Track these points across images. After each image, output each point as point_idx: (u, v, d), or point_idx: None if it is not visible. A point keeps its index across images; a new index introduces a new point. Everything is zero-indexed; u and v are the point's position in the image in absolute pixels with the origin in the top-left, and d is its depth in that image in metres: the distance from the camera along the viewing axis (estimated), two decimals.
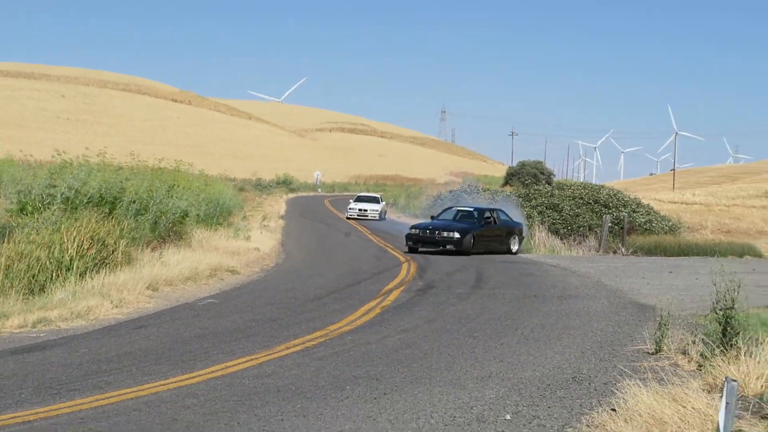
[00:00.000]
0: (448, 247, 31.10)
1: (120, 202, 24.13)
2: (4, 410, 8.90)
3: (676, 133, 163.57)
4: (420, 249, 31.57)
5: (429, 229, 31.99)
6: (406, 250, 31.65)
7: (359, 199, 57.35)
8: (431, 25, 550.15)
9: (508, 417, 8.99)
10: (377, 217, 54.19)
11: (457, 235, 31.23)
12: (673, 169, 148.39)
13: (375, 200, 57.58)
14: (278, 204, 63.45)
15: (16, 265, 16.89)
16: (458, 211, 35.19)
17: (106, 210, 23.05)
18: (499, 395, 9.94)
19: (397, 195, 77.23)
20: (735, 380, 6.03)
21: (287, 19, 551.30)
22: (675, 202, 78.25)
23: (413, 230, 32.57)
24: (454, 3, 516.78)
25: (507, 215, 35.13)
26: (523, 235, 35.32)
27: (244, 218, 41.45)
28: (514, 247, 33.82)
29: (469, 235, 31.43)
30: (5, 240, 18.26)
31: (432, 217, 35.59)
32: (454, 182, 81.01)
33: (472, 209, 34.96)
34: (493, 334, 14.24)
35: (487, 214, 34.02)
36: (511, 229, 34.31)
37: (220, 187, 42.48)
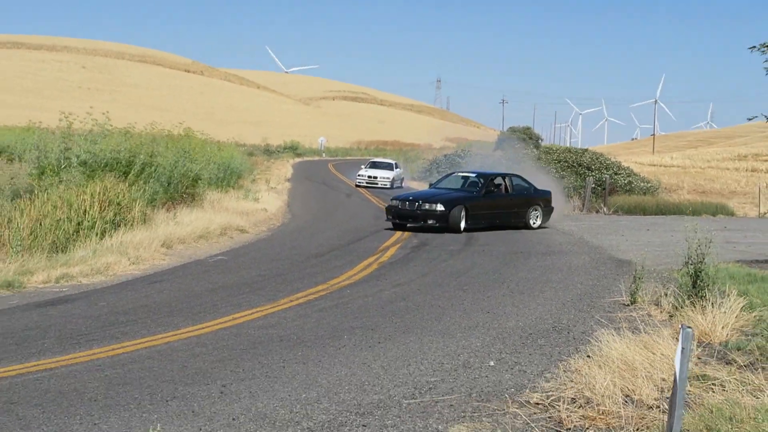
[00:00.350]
0: (429, 222, 24.05)
1: (134, 165, 24.10)
2: (28, 358, 9.00)
3: (656, 101, 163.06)
4: (408, 225, 24.43)
5: (409, 200, 24.84)
6: (390, 226, 24.90)
7: (373, 165, 50.18)
8: (426, 3, 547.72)
9: (492, 363, 9.09)
10: (388, 185, 46.56)
11: (440, 207, 24.08)
12: (653, 134, 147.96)
13: (389, 166, 50.00)
14: (285, 168, 63.30)
15: (40, 225, 16.95)
16: (460, 177, 27.89)
17: (122, 173, 23.05)
18: (485, 344, 10.03)
19: (395, 159, 76.98)
20: (690, 327, 6.12)
21: None
22: (654, 165, 77.99)
23: (393, 202, 25.50)
24: None
25: (526, 182, 27.41)
26: (551, 205, 27.57)
27: (253, 181, 41.43)
28: (535, 221, 26.32)
29: (459, 207, 24.25)
30: (29, 201, 18.30)
31: (430, 185, 29.14)
32: (449, 147, 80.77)
33: (474, 175, 27.50)
34: (481, 288, 14.33)
35: (498, 180, 26.71)
36: (531, 199, 26.64)
37: (230, 151, 42.42)
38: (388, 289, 14.03)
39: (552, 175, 39.09)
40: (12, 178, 21.44)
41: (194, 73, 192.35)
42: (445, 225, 24.07)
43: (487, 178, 26.69)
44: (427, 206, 24.31)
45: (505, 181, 26.68)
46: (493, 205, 25.80)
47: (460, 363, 9.08)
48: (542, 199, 27.08)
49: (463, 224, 24.33)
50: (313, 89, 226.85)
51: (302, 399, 7.65)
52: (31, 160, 23.01)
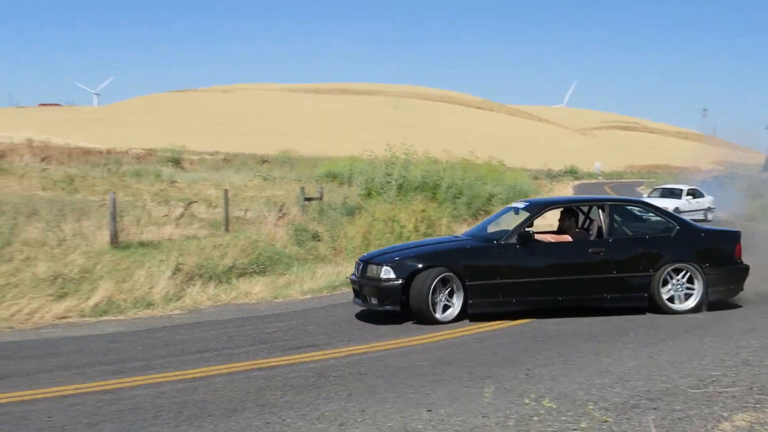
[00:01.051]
0: (373, 302, 10.79)
1: (439, 188, 24.98)
2: (370, 341, 9.71)
3: None
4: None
5: (361, 263, 11.32)
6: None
7: (664, 194, 32.37)
8: (695, 39, 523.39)
9: None
10: None
11: (388, 274, 10.62)
12: None
13: (677, 194, 31.97)
14: (566, 189, 62.48)
15: (369, 233, 18.08)
16: (511, 210, 12.36)
17: (430, 194, 24.00)
18: (763, 345, 9.53)
19: (666, 181, 73.49)
20: None
21: (574, 34, 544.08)
22: None
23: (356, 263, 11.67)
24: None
25: (661, 213, 12.08)
26: (737, 260, 11.85)
27: None
28: (681, 301, 11.40)
29: (434, 271, 10.50)
30: (359, 217, 19.54)
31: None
32: (716, 170, 76.08)
33: (522, 206, 12.07)
34: (756, 299, 13.54)
35: (570, 214, 12.17)
36: (666, 249, 11.39)
37: (517, 175, 42.72)
38: None
39: None
40: (345, 198, 22.93)
41: (484, 109, 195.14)
42: (398, 308, 10.65)
43: (538, 209, 11.88)
44: (373, 271, 10.88)
45: (599, 216, 11.74)
46: (547, 265, 11.20)
47: (740, 360, 8.72)
48: (705, 250, 11.62)
49: (452, 309, 10.71)
50: (589, 120, 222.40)
51: (596, 384, 7.72)
52: (359, 183, 24.52)
